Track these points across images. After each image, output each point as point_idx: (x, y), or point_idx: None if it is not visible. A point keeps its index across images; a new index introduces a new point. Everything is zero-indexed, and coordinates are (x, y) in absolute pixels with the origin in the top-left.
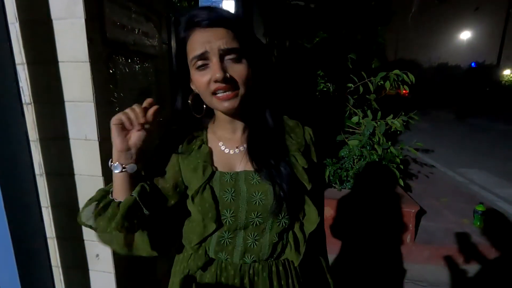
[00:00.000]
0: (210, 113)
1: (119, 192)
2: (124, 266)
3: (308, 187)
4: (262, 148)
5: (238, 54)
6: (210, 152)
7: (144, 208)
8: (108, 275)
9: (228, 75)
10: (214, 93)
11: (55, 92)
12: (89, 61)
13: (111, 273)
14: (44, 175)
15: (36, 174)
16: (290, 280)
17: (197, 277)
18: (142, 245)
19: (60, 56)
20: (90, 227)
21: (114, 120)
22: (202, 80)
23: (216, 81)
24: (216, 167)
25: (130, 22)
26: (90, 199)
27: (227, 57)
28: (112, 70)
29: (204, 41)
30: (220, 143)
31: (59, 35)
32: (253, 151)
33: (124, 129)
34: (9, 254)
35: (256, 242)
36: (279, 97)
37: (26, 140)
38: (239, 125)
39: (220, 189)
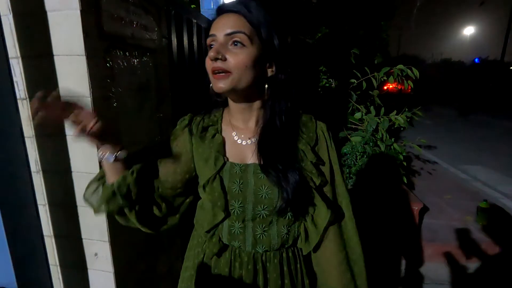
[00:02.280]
0: (225, 102)
1: (108, 178)
2: (123, 265)
3: (317, 182)
4: (272, 145)
5: (242, 40)
6: (223, 142)
7: (121, 198)
8: (107, 274)
9: (220, 56)
10: (212, 72)
11: (50, 86)
12: (85, 55)
13: (110, 272)
14: (41, 172)
15: (32, 171)
16: (298, 265)
17: (212, 262)
18: (131, 218)
19: (55, 50)
20: (91, 204)
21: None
22: (207, 60)
23: (210, 60)
24: (227, 158)
25: (128, 14)
26: (92, 179)
27: (231, 41)
28: (109, 64)
29: (217, 26)
30: (234, 133)
31: (54, 28)
32: (263, 147)
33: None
34: (5, 254)
35: (265, 233)
36: (301, 94)
37: (21, 136)
38: (251, 117)
39: (229, 179)
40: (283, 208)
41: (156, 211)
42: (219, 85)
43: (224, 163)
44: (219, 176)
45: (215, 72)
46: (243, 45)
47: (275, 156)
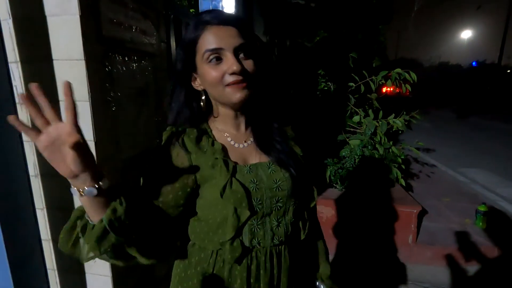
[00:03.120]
0: (208, 111)
1: (91, 215)
2: (121, 269)
3: (304, 170)
4: (269, 139)
5: (248, 52)
6: (224, 148)
7: (114, 235)
8: (104, 279)
9: (243, 69)
10: (227, 84)
11: (49, 91)
12: (84, 59)
13: (108, 277)
14: (39, 176)
15: (31, 175)
16: (297, 255)
17: (225, 272)
18: (132, 253)
19: (55, 54)
20: (72, 254)
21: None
22: (215, 74)
23: (233, 73)
24: (235, 162)
25: (127, 19)
26: (68, 222)
27: (240, 54)
28: (108, 69)
29: (219, 38)
30: (229, 139)
31: (53, 32)
32: (262, 144)
33: (56, 152)
34: (2, 258)
35: (280, 224)
36: (278, 93)
37: (19, 140)
38: (243, 120)
39: (244, 180)
40: (295, 189)
41: (159, 235)
42: (239, 95)
43: (235, 167)
44: (235, 179)
45: (234, 83)
46: (251, 56)
47: (273, 147)
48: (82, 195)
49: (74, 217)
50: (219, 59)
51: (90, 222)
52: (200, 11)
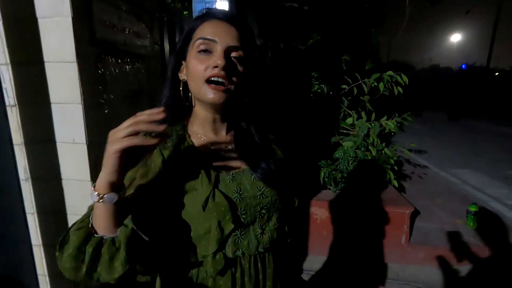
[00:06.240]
0: (186, 111)
1: (99, 222)
2: None
3: (286, 173)
4: (250, 148)
5: (241, 56)
6: (205, 156)
7: (143, 235)
8: None
9: (228, 66)
10: (207, 80)
11: (41, 93)
12: (77, 61)
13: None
14: (30, 180)
15: (21, 179)
16: (281, 259)
17: (209, 283)
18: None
19: (46, 56)
20: (87, 278)
21: (120, 145)
22: (200, 66)
23: (215, 67)
24: (217, 171)
25: (120, 21)
26: (67, 245)
27: (232, 55)
28: (101, 71)
29: (217, 30)
30: (209, 145)
31: (45, 34)
32: (243, 152)
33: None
34: None
35: (264, 231)
36: (263, 99)
37: (9, 143)
38: (223, 126)
39: (227, 191)
40: (279, 200)
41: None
42: (214, 96)
43: (217, 176)
44: (218, 190)
45: (213, 81)
46: (242, 61)
47: (258, 157)
48: (102, 200)
49: (78, 238)
50: (209, 52)
51: (104, 237)
52: (193, 13)
